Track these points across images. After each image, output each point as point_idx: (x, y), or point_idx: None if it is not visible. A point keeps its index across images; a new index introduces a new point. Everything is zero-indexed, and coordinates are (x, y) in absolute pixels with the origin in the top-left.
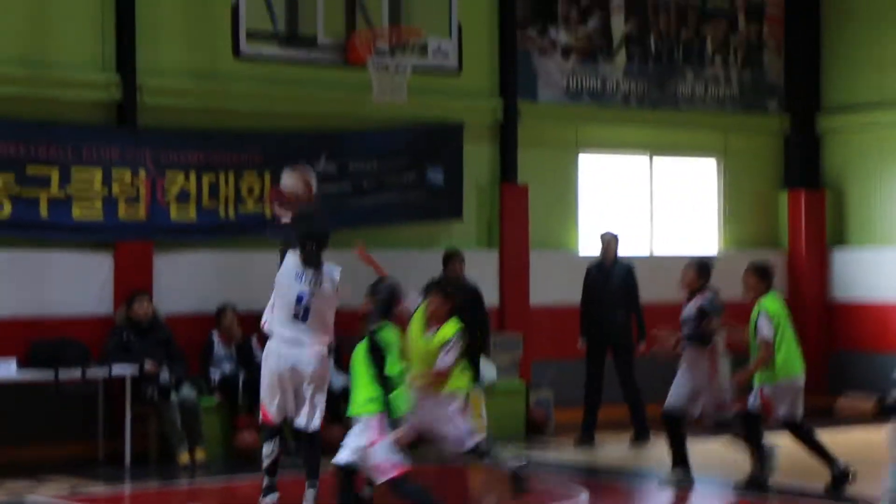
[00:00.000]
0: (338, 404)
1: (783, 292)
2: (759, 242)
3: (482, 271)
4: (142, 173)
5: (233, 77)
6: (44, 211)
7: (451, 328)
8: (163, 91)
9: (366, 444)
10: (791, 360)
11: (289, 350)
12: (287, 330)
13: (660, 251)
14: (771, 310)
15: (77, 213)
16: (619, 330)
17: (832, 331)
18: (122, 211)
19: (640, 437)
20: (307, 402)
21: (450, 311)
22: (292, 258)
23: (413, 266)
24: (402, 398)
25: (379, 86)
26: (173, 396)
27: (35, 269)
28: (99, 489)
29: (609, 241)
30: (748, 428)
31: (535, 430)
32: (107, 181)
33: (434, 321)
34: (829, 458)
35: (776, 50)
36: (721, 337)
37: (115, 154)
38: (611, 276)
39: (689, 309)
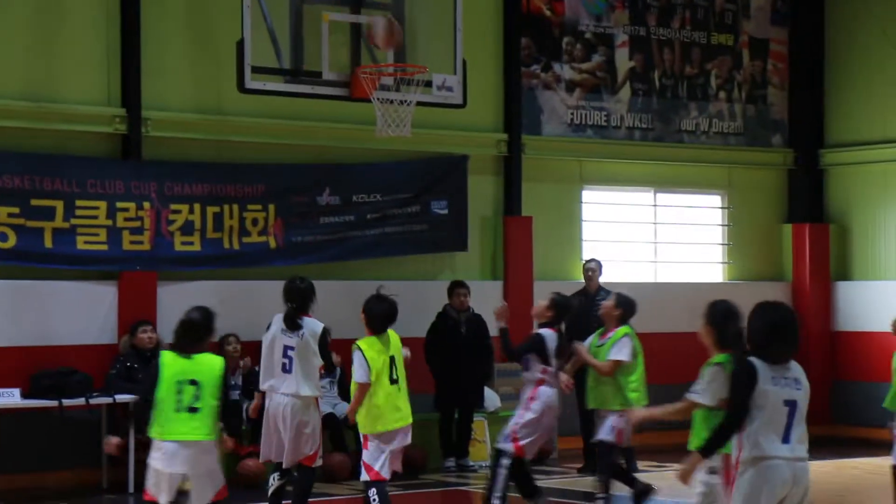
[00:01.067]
0: (341, 432)
1: None
2: (764, 275)
3: (487, 302)
4: (146, 205)
5: (237, 111)
6: (48, 241)
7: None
8: (168, 124)
9: None
10: (643, 392)
11: (280, 398)
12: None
13: (664, 278)
14: (635, 339)
15: (81, 243)
16: None
17: (835, 361)
18: (127, 242)
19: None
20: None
21: (371, 321)
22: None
23: (417, 297)
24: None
25: (383, 120)
26: None
27: (39, 298)
28: None
29: (593, 269)
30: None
31: (539, 457)
32: (111, 213)
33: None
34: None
35: (780, 86)
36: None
37: (120, 186)
38: (594, 303)
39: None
